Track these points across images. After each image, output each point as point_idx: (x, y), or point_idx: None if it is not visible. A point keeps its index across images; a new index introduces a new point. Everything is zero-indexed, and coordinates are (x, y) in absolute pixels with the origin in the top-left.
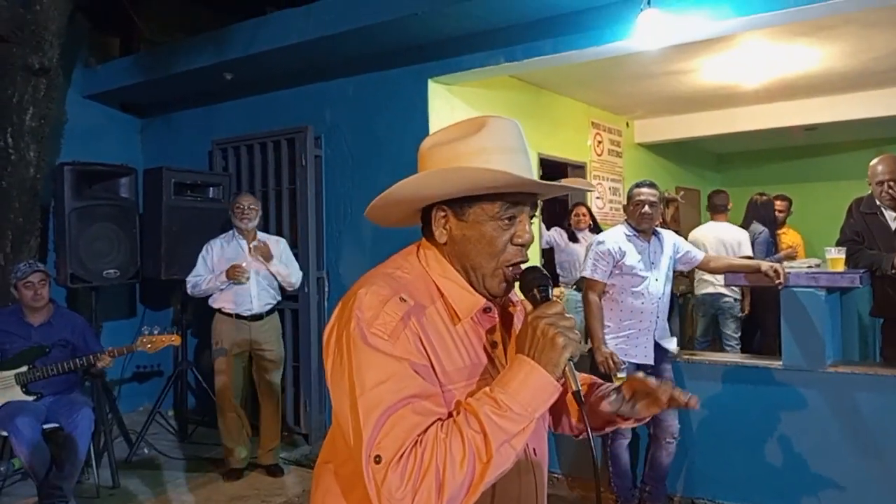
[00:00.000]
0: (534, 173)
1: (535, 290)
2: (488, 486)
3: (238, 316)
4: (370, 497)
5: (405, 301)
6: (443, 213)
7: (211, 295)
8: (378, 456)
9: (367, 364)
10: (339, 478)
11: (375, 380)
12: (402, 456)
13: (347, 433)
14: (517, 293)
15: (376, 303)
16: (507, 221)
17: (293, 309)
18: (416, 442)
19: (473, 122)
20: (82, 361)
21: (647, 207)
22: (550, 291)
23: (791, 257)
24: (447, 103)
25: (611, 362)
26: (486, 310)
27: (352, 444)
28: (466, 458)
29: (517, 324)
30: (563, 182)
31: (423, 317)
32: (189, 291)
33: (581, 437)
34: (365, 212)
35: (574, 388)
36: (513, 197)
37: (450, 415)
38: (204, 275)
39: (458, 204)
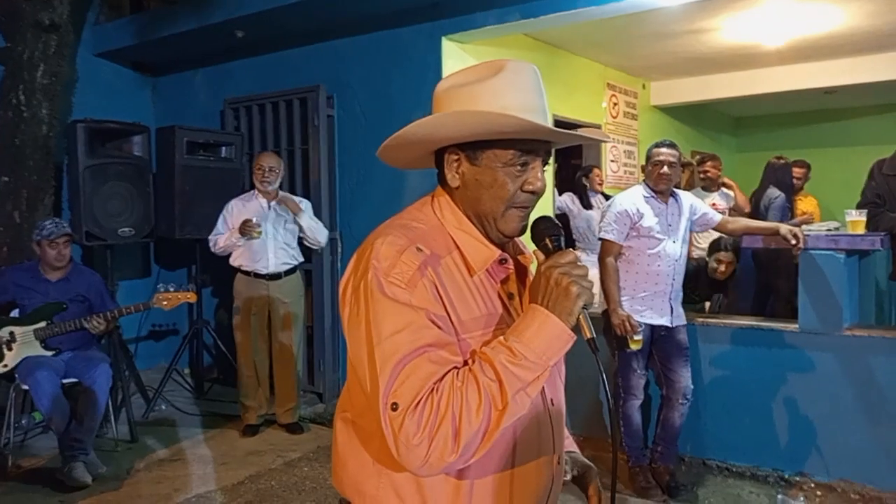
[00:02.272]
0: (549, 119)
1: (548, 240)
2: (503, 432)
3: (256, 275)
4: (388, 445)
5: (421, 250)
6: (455, 157)
7: (231, 253)
8: (395, 403)
9: (383, 313)
10: (358, 428)
11: (392, 329)
12: (418, 403)
13: (364, 382)
14: (524, 245)
15: (393, 252)
16: (519, 168)
17: (307, 269)
18: (433, 390)
19: (492, 65)
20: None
21: (665, 168)
22: (562, 241)
23: (807, 223)
24: (461, 62)
25: (627, 325)
26: (501, 261)
27: (368, 393)
28: (482, 406)
29: (532, 275)
30: (579, 132)
31: (439, 266)
32: (211, 249)
33: None
34: (377, 151)
35: (588, 335)
36: (527, 144)
37: (465, 363)
38: (223, 232)
39: (472, 148)
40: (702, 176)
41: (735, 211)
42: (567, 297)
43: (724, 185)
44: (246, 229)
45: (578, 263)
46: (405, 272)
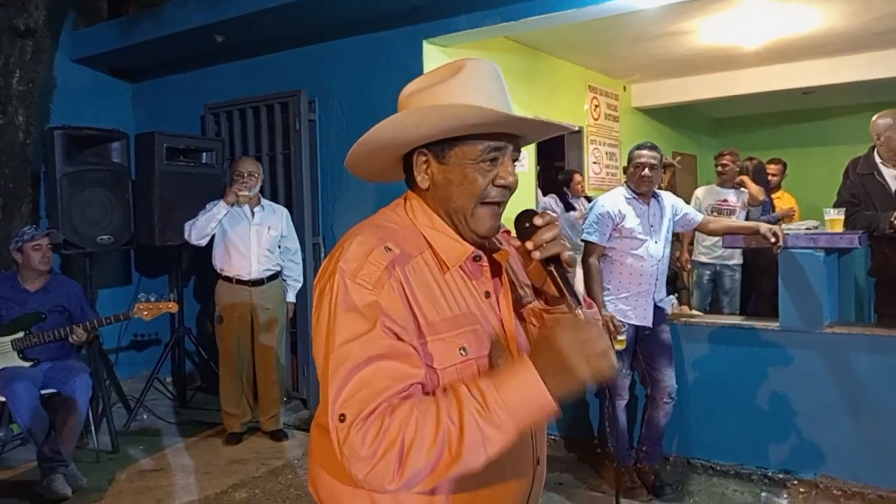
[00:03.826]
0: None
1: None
2: (452, 479)
3: (238, 281)
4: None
5: (390, 250)
6: (424, 158)
7: (209, 246)
8: (342, 415)
9: (341, 321)
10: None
11: (344, 337)
12: (366, 418)
13: (324, 387)
14: (501, 242)
15: (361, 253)
16: (489, 163)
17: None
18: (386, 409)
19: (452, 66)
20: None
21: (647, 170)
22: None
23: (789, 216)
24: None
25: (610, 325)
26: (475, 259)
27: (327, 398)
28: (435, 446)
29: (511, 269)
30: (541, 119)
31: (407, 265)
32: (187, 236)
33: None
34: (345, 161)
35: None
36: (494, 138)
37: (433, 386)
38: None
39: (439, 147)
40: (719, 170)
41: (750, 205)
42: (572, 381)
43: (741, 182)
44: (233, 189)
45: (603, 333)
46: (373, 273)
